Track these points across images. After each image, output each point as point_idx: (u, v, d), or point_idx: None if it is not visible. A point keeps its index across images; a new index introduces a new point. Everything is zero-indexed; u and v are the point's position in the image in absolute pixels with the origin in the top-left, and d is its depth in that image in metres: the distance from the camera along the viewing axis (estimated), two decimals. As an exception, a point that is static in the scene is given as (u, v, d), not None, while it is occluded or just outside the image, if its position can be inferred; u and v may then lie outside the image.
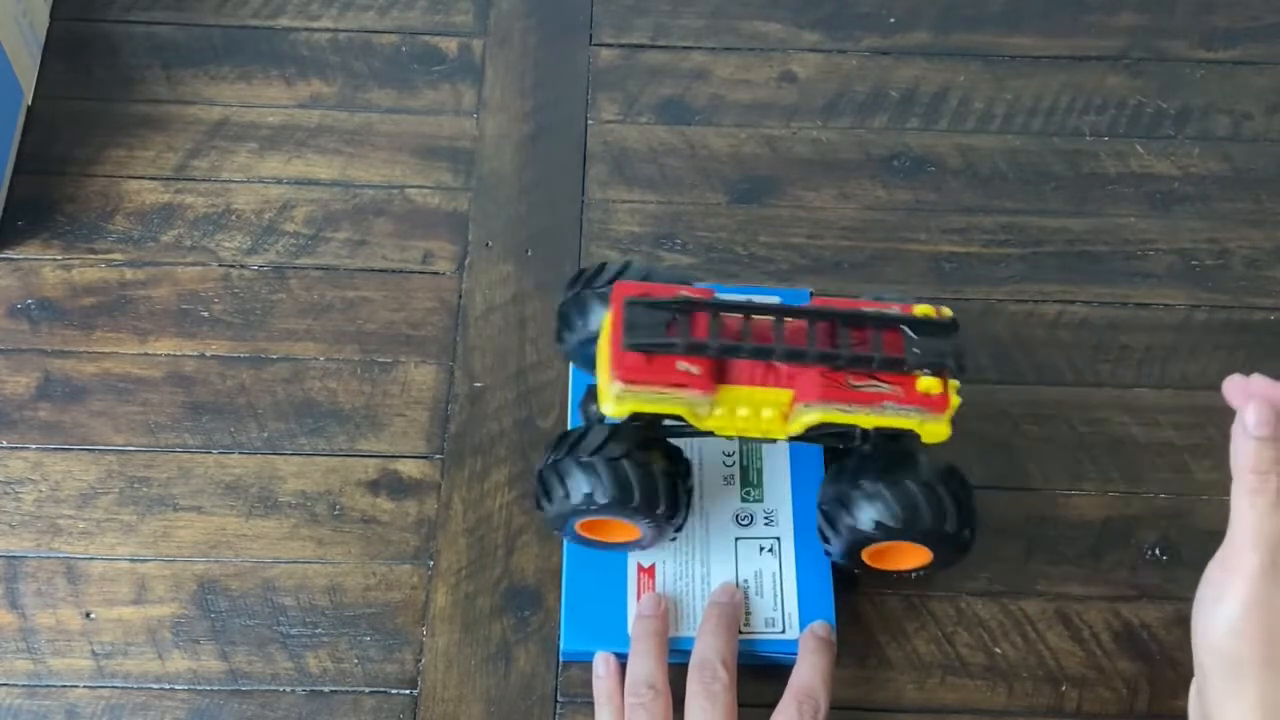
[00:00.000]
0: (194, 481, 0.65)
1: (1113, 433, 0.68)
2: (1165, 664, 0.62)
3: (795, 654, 0.59)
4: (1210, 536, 0.65)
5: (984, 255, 0.73)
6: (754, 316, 0.56)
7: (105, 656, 0.61)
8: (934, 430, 0.56)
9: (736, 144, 0.76)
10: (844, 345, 0.55)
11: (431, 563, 0.64)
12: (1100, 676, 0.62)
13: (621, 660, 0.59)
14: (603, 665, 0.60)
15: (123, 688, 0.61)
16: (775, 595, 0.61)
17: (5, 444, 0.66)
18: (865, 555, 0.59)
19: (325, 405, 0.67)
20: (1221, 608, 0.52)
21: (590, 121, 0.76)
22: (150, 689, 0.61)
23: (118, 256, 0.71)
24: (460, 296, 0.71)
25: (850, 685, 0.61)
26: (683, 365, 0.55)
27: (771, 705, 0.57)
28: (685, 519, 0.60)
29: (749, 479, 0.64)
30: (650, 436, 0.58)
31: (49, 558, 0.63)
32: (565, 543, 0.62)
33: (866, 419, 0.56)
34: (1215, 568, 0.53)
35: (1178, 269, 0.73)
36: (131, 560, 0.63)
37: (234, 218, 0.72)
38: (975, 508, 0.58)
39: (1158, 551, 0.65)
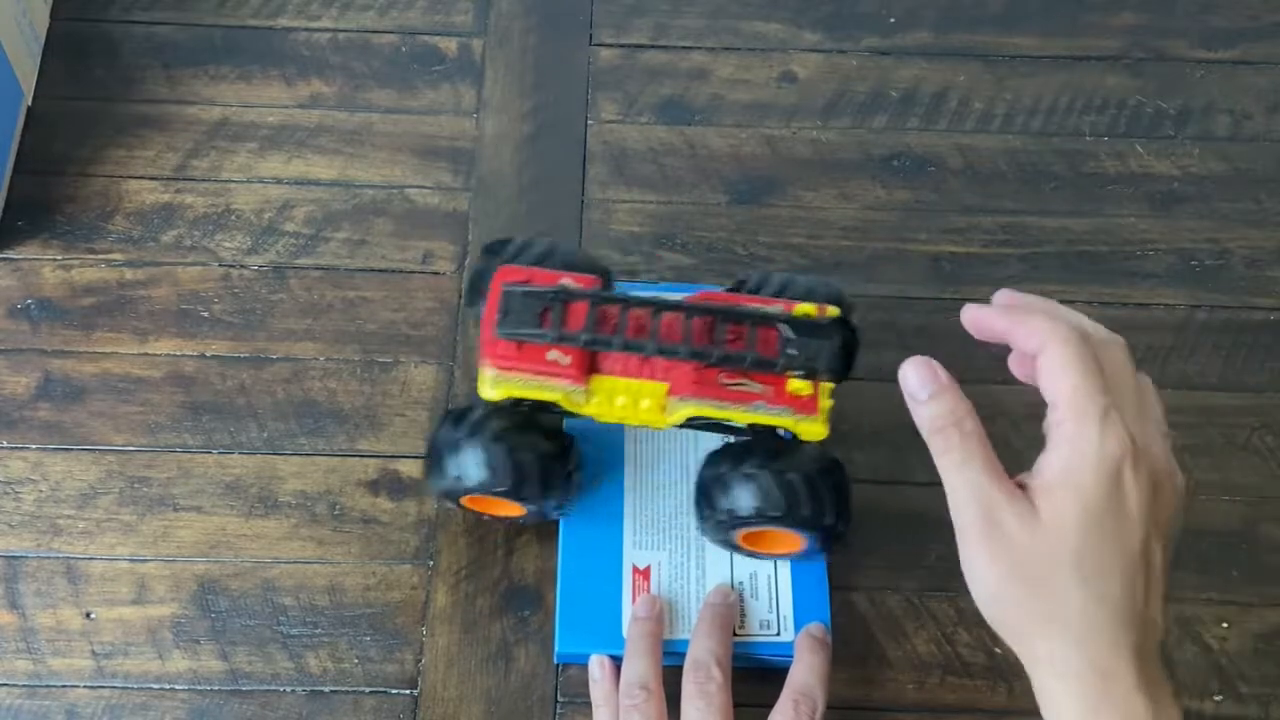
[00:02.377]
0: (194, 481, 0.65)
1: (1112, 433, 0.68)
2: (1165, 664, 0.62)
3: (791, 656, 0.59)
4: (1210, 536, 0.65)
5: (984, 255, 0.73)
6: (633, 309, 0.56)
7: (105, 656, 0.61)
8: (809, 429, 0.57)
9: (736, 144, 0.76)
10: (719, 342, 0.55)
11: (431, 563, 0.64)
12: (1100, 677, 0.62)
13: (617, 662, 0.59)
14: (598, 668, 0.60)
15: (123, 688, 0.61)
16: (770, 598, 0.61)
17: (5, 444, 0.66)
18: (739, 536, 0.60)
19: (325, 405, 0.67)
20: (976, 586, 0.48)
21: (590, 121, 0.76)
22: (150, 689, 0.61)
23: (118, 256, 0.71)
24: (460, 296, 0.71)
25: (850, 685, 0.61)
26: (553, 355, 0.56)
27: (768, 706, 0.57)
28: (568, 501, 0.61)
29: (748, 479, 0.64)
30: (532, 418, 0.58)
31: (49, 558, 0.63)
32: (561, 545, 0.62)
33: (740, 415, 0.56)
34: (959, 548, 0.48)
35: (1178, 269, 0.73)
36: (131, 560, 0.63)
37: (234, 218, 0.72)
38: (852, 501, 0.59)
39: (1157, 551, 0.65)
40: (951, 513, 0.48)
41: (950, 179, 0.75)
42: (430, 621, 0.62)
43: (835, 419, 0.67)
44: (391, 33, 0.79)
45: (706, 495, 0.59)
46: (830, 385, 0.57)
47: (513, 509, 0.61)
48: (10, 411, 0.67)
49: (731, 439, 0.60)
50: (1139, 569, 0.46)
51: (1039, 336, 0.48)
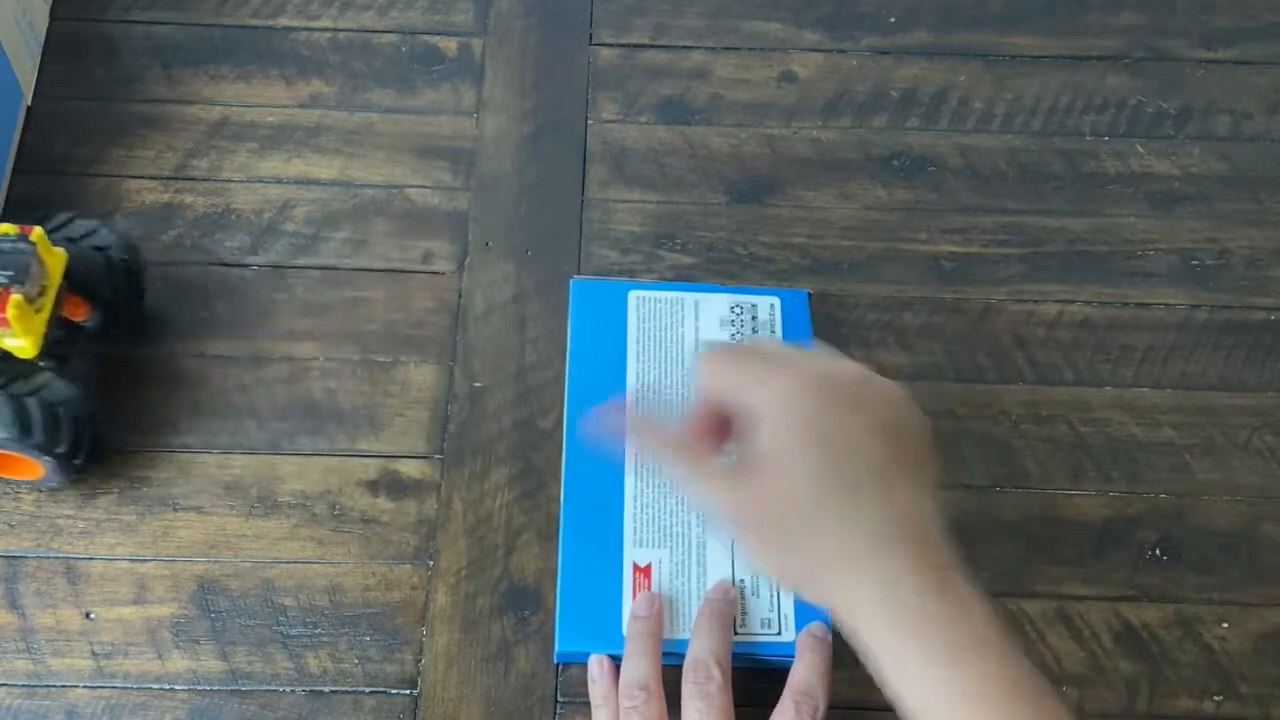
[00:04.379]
0: (194, 481, 0.65)
1: (1113, 433, 0.68)
2: (1165, 664, 0.62)
3: (792, 656, 0.59)
4: (1211, 536, 0.65)
5: (984, 255, 0.73)
6: None
7: (105, 656, 0.61)
8: (16, 348, 0.60)
9: (736, 144, 0.76)
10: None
11: (431, 563, 0.64)
12: (1100, 676, 0.62)
13: (617, 662, 0.59)
14: (597, 668, 0.60)
15: (122, 688, 0.61)
16: (771, 596, 0.61)
17: (5, 444, 0.66)
18: None
19: (325, 405, 0.67)
20: (757, 566, 0.53)
21: (590, 121, 0.76)
22: (150, 689, 0.61)
23: (118, 256, 0.71)
24: (460, 296, 0.71)
25: (850, 685, 0.61)
26: None
27: (770, 705, 0.57)
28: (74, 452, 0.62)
29: (749, 479, 0.64)
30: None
31: (49, 558, 0.63)
32: (561, 542, 0.62)
33: None
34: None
35: (1178, 269, 0.73)
36: (131, 560, 0.63)
37: (234, 217, 0.72)
38: (95, 434, 0.62)
39: (1158, 551, 0.65)
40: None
41: (950, 179, 0.75)
42: (430, 621, 0.62)
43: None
44: (391, 32, 0.79)
45: None
46: (18, 299, 0.58)
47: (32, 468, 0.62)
48: (10, 411, 0.67)
49: None
50: (865, 478, 0.48)
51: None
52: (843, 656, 0.61)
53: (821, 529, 0.48)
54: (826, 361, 0.52)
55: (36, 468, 0.62)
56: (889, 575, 0.47)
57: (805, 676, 0.58)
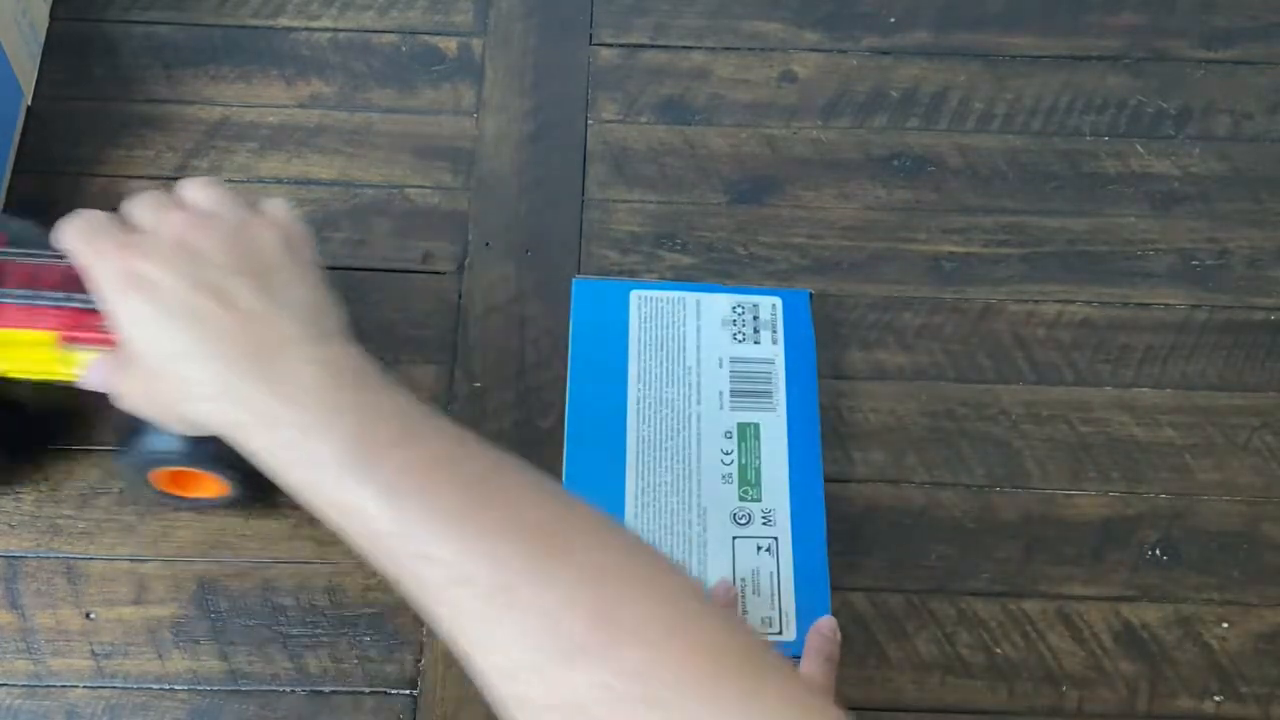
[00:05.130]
0: (194, 481, 0.65)
1: (1113, 433, 0.68)
2: (1165, 664, 0.62)
3: (796, 658, 0.59)
4: (1211, 536, 0.65)
5: (984, 255, 0.73)
6: (19, 261, 0.57)
7: (105, 656, 0.61)
8: None
9: (736, 144, 0.76)
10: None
11: (431, 563, 0.64)
12: (1100, 676, 0.62)
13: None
14: None
15: (122, 688, 0.61)
16: (772, 595, 0.61)
17: (5, 444, 0.66)
18: (155, 476, 0.61)
19: (325, 405, 0.67)
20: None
21: (590, 121, 0.76)
22: (150, 689, 0.61)
23: (118, 256, 0.71)
24: (460, 296, 0.71)
25: (850, 685, 0.61)
26: None
27: (771, 705, 0.57)
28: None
29: (747, 478, 0.64)
30: None
31: (49, 558, 0.63)
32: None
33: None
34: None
35: (1178, 269, 0.73)
36: (131, 560, 0.63)
37: (234, 218, 0.72)
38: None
39: (1158, 551, 0.65)
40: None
41: (950, 179, 0.75)
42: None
43: (835, 420, 0.67)
44: (391, 32, 0.79)
45: (122, 434, 0.59)
46: None
47: None
48: (10, 411, 0.67)
49: None
50: (208, 309, 0.50)
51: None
52: (844, 657, 0.61)
53: (172, 370, 0.50)
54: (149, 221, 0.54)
55: (220, 485, 0.61)
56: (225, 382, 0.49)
57: (812, 675, 0.58)
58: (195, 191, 0.55)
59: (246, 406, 0.49)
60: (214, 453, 0.55)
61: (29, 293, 0.57)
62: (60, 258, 0.55)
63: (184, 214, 0.53)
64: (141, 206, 0.54)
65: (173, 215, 0.53)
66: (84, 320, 0.56)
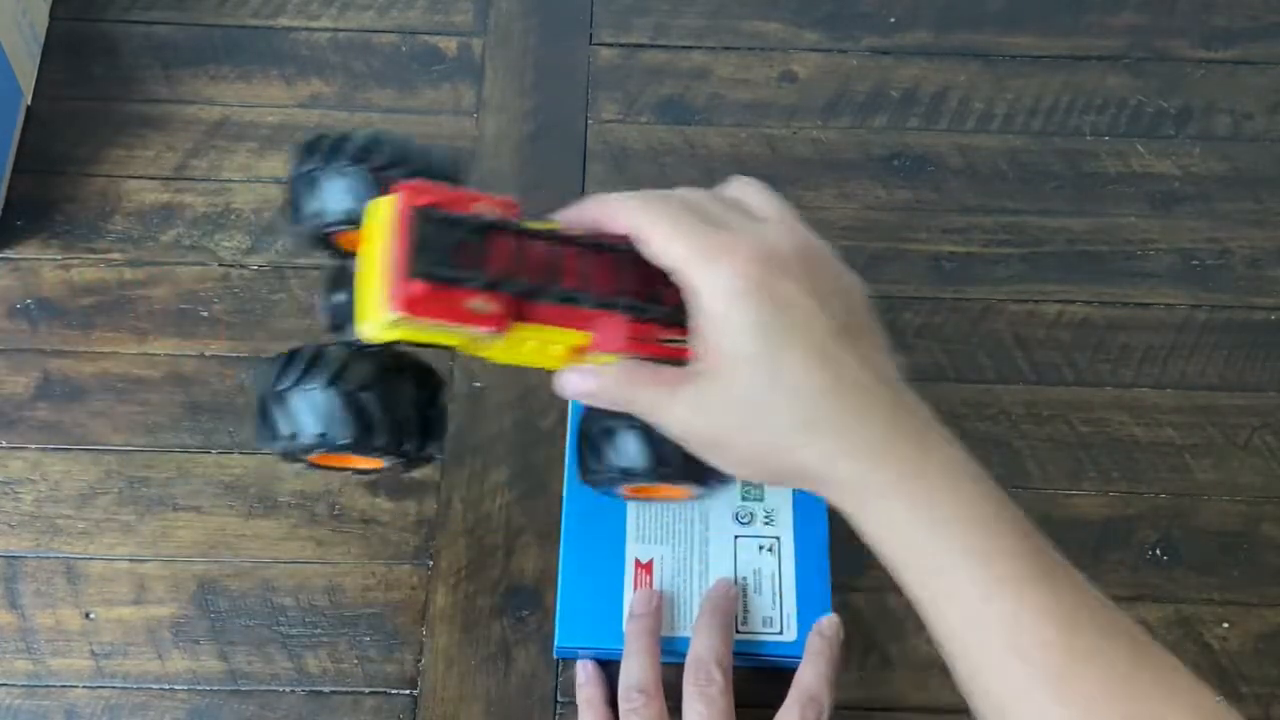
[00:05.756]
0: (193, 481, 0.65)
1: (1113, 433, 0.68)
2: (1165, 664, 0.62)
3: (796, 658, 0.59)
4: (1211, 536, 0.65)
5: (984, 255, 0.73)
6: (562, 246, 0.50)
7: (105, 656, 0.61)
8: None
9: (736, 144, 0.76)
10: (657, 294, 0.49)
11: (431, 563, 0.64)
12: (1100, 676, 0.62)
13: (610, 662, 0.60)
14: (583, 673, 0.60)
15: (122, 688, 0.61)
16: (774, 594, 0.61)
17: (5, 444, 0.66)
18: (627, 489, 0.57)
19: (325, 405, 0.67)
20: (731, 471, 0.50)
21: (590, 121, 0.76)
22: (150, 689, 0.61)
23: (117, 256, 0.71)
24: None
25: (850, 685, 0.61)
26: (477, 302, 0.48)
27: (774, 706, 0.57)
28: (437, 446, 0.54)
29: (749, 479, 0.64)
30: (397, 356, 0.51)
31: (49, 558, 0.63)
32: (563, 537, 0.62)
33: None
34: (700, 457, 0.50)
35: (1178, 269, 0.73)
36: (131, 560, 0.63)
37: (233, 217, 0.72)
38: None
39: (1158, 551, 0.65)
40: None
41: (950, 179, 0.75)
42: (430, 622, 0.62)
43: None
44: (391, 32, 0.79)
45: (594, 449, 0.55)
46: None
47: (373, 463, 0.54)
48: (9, 411, 0.67)
49: None
50: (821, 358, 0.46)
51: (628, 227, 0.49)
52: (851, 657, 0.61)
53: (775, 412, 0.47)
54: (770, 230, 0.49)
55: (376, 463, 0.55)
56: (876, 446, 0.47)
57: (811, 678, 0.57)
58: (764, 200, 0.49)
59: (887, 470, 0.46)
60: (683, 470, 0.52)
61: (592, 296, 0.49)
62: (600, 245, 0.48)
63: (794, 234, 0.48)
64: (710, 201, 0.48)
65: (779, 230, 0.48)
66: (642, 332, 0.49)
